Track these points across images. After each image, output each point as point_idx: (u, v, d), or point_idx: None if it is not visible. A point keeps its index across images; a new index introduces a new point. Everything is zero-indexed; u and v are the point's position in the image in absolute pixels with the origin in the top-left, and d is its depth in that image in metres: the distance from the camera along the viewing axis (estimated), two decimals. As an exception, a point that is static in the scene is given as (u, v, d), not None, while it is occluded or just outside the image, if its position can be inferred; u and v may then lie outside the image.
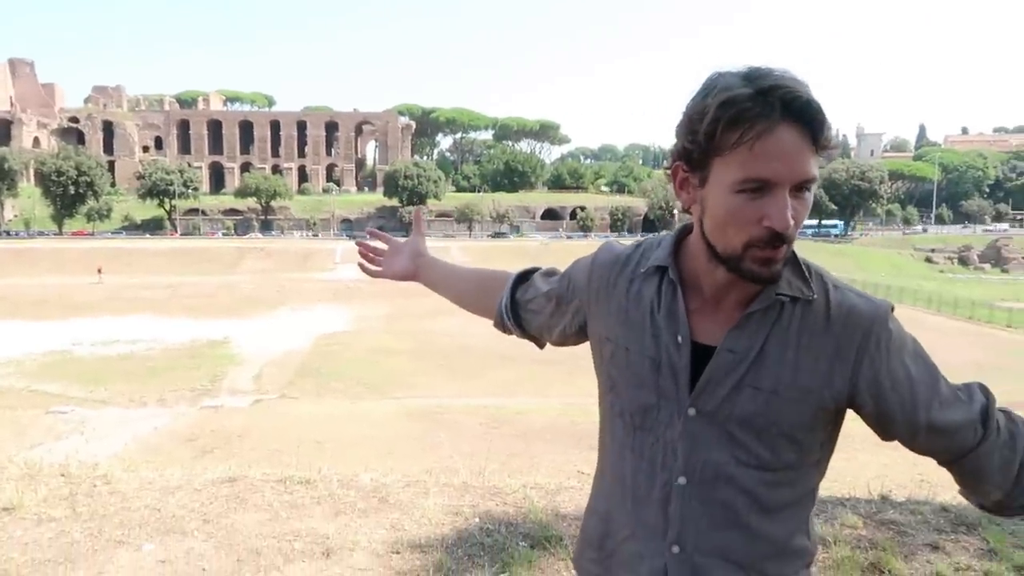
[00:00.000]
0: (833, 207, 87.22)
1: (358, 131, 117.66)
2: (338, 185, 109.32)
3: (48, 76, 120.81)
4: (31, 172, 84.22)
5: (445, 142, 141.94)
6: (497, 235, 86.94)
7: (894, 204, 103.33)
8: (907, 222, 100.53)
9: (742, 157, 1.03)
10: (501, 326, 1.53)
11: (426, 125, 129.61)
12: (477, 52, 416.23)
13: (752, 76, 1.04)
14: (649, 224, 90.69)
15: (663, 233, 1.29)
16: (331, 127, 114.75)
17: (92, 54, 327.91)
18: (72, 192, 76.85)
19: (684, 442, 1.15)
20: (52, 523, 3.36)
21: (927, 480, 5.72)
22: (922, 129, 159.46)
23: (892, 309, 1.15)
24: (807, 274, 1.15)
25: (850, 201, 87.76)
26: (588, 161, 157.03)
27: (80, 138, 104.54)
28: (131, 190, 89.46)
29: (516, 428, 15.82)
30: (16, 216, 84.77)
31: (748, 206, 1.05)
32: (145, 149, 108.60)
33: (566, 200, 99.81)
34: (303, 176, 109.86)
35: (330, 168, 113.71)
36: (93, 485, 3.79)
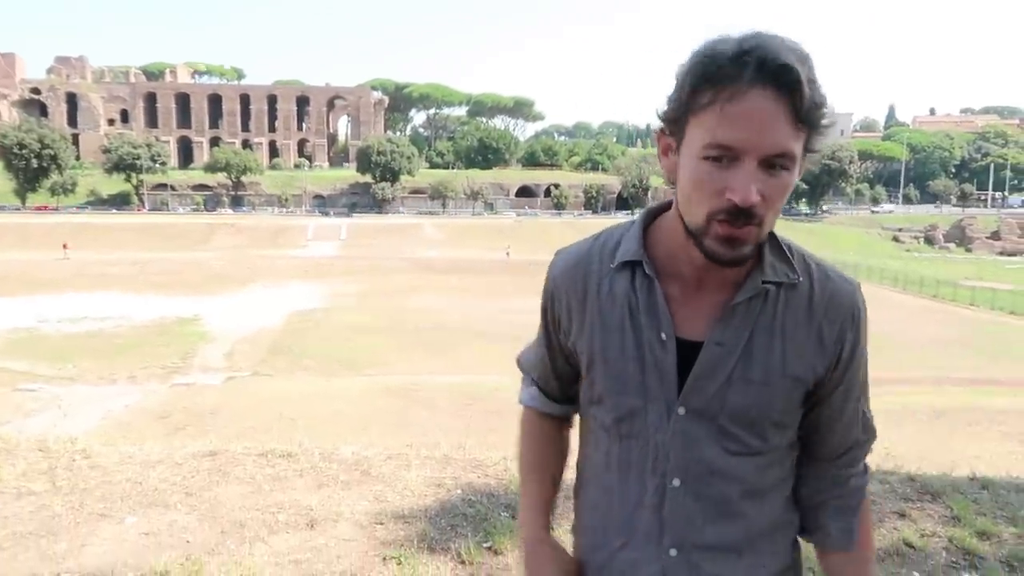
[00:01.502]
0: (804, 186, 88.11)
1: (330, 106, 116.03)
2: (310, 161, 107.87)
3: (6, 45, 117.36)
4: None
5: (418, 118, 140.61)
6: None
7: (863, 184, 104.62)
8: (875, 201, 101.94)
9: (711, 120, 0.98)
10: (550, 421, 1.38)
11: (399, 101, 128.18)
12: (451, 27, 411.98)
13: (742, 38, 0.98)
14: (623, 202, 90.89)
15: (624, 223, 1.22)
16: (302, 101, 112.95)
17: (53, 23, 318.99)
18: (35, 166, 74.96)
19: (676, 443, 1.12)
20: (32, 497, 3.35)
21: (892, 453, 5.89)
22: (891, 109, 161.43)
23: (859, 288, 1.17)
24: (790, 255, 1.13)
25: (820, 180, 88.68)
26: (562, 138, 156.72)
27: (43, 110, 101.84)
28: (96, 164, 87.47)
29: (492, 404, 15.88)
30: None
31: (713, 175, 0.99)
32: (111, 122, 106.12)
33: (540, 177, 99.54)
34: (274, 151, 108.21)
35: (301, 143, 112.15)
36: (72, 459, 3.78)
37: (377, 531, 3.18)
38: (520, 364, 1.41)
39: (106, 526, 3.13)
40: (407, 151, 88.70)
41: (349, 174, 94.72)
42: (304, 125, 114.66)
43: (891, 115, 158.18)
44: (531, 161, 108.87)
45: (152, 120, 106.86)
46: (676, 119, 1.04)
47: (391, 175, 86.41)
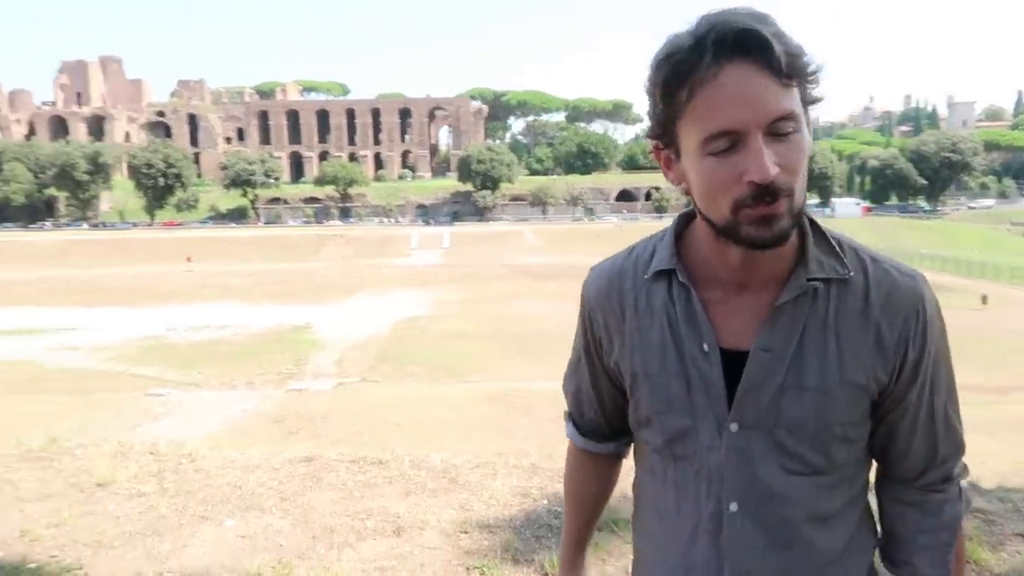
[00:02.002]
0: (923, 182, 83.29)
1: (431, 117, 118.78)
2: (413, 171, 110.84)
3: (134, 72, 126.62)
4: (123, 166, 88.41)
5: (517, 125, 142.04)
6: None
7: (989, 177, 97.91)
8: (1003, 196, 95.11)
9: (697, 114, 0.92)
10: (591, 458, 1.30)
11: (498, 109, 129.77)
12: (548, 33, 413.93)
13: (694, 27, 0.93)
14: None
15: (658, 232, 1.16)
16: (405, 113, 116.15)
17: (174, 50, 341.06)
18: (162, 184, 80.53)
19: (731, 463, 1.03)
20: (141, 498, 3.56)
21: (1021, 469, 5.45)
22: (1020, 96, 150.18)
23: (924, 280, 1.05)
24: (840, 250, 1.03)
25: (940, 175, 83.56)
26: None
27: (167, 131, 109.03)
28: (216, 180, 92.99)
29: (590, 411, 15.73)
30: (111, 208, 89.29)
31: (723, 166, 0.93)
32: (228, 140, 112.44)
33: (641, 181, 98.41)
34: (379, 163, 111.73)
35: (405, 154, 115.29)
36: (179, 463, 3.99)
37: (462, 540, 3.19)
38: (564, 391, 1.32)
39: (207, 528, 3.28)
40: (507, 159, 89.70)
41: (451, 183, 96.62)
42: (407, 137, 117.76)
43: (1020, 102, 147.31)
44: (631, 164, 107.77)
45: (265, 137, 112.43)
46: (664, 131, 0.99)
47: (491, 183, 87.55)
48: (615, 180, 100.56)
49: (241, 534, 3.23)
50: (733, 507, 1.04)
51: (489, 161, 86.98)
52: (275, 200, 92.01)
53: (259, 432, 13.79)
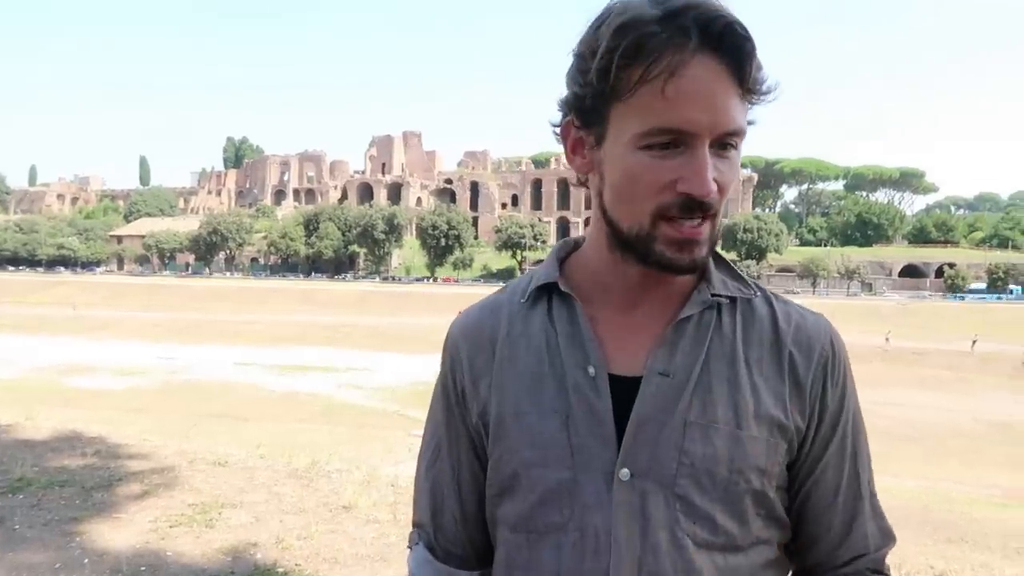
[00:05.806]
0: None
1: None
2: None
3: (430, 144, 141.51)
4: (413, 226, 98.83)
5: (790, 194, 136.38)
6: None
7: None
8: None
9: (648, 100, 0.76)
10: None
11: (769, 176, 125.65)
12: (824, 97, 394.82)
13: None
14: (1040, 285, 76.77)
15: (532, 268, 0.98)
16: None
17: (465, 123, 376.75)
18: (443, 244, 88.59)
19: (620, 523, 0.79)
20: (376, 524, 3.89)
21: None
22: None
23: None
24: (742, 274, 0.91)
25: None
26: (961, 212, 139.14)
27: (452, 197, 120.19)
28: (490, 242, 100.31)
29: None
30: (400, 264, 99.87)
31: (657, 166, 0.78)
32: (504, 206, 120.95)
33: (931, 255, 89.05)
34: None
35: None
36: (414, 498, 4.30)
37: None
38: (415, 500, 1.03)
39: (427, 561, 3.49)
40: (775, 228, 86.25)
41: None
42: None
43: None
44: (919, 238, 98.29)
45: (537, 203, 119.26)
46: (594, 107, 0.81)
47: (757, 253, 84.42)
48: (899, 254, 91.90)
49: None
50: None
51: (756, 231, 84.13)
52: (539, 262, 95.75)
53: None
